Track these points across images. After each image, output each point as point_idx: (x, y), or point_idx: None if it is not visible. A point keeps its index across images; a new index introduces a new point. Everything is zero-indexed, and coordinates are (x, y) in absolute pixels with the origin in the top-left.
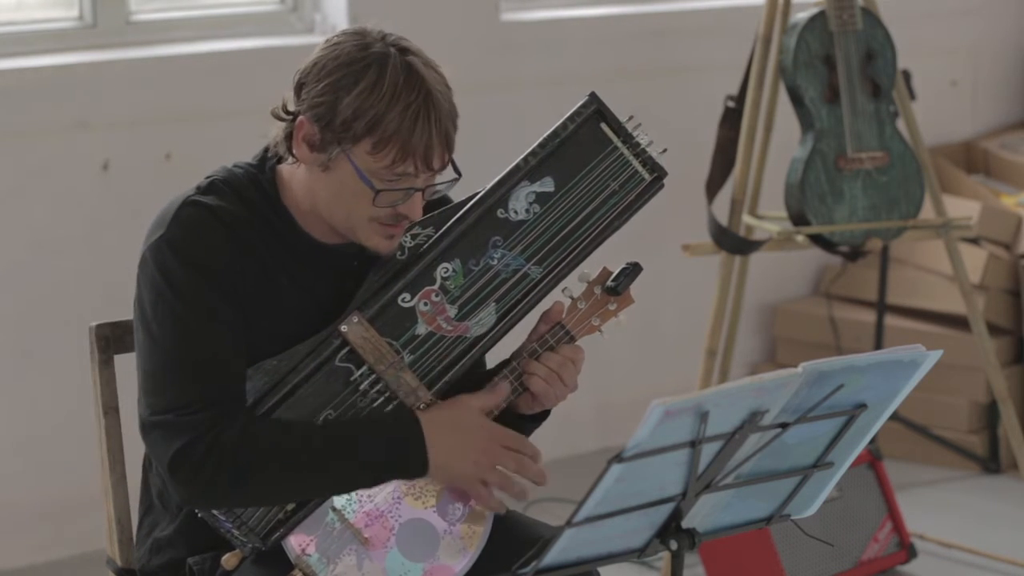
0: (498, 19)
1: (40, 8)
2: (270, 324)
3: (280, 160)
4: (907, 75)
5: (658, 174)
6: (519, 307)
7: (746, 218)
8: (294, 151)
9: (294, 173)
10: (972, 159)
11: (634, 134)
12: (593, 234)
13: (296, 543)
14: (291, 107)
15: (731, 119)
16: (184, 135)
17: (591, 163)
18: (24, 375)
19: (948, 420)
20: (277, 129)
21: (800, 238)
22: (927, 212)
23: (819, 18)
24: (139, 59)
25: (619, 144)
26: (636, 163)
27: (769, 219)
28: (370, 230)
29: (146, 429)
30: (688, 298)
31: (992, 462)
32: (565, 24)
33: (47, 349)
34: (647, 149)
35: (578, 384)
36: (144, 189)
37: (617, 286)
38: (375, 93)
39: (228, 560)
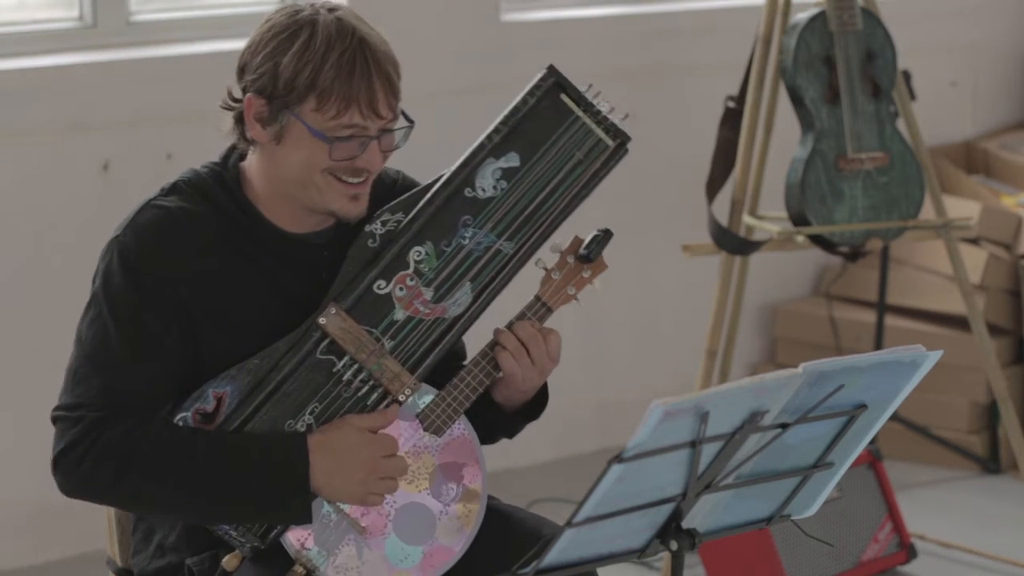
0: (498, 19)
1: (40, 8)
2: (244, 319)
3: (243, 157)
4: (907, 75)
5: (621, 140)
6: (494, 284)
7: (746, 218)
8: (247, 134)
9: (253, 164)
10: (972, 159)
11: (594, 102)
12: (562, 205)
13: (294, 538)
14: (236, 93)
15: (731, 119)
16: (184, 135)
17: (554, 135)
18: (25, 375)
19: (948, 420)
20: (228, 119)
21: (800, 238)
22: (927, 212)
23: (819, 18)
24: (139, 59)
25: (580, 114)
26: (599, 131)
27: (769, 219)
28: (334, 191)
29: (52, 422)
30: (688, 298)
31: (992, 462)
32: (565, 24)
33: (47, 349)
34: (609, 116)
35: (548, 367)
36: (144, 189)
37: (589, 253)
38: (310, 49)
39: (228, 562)
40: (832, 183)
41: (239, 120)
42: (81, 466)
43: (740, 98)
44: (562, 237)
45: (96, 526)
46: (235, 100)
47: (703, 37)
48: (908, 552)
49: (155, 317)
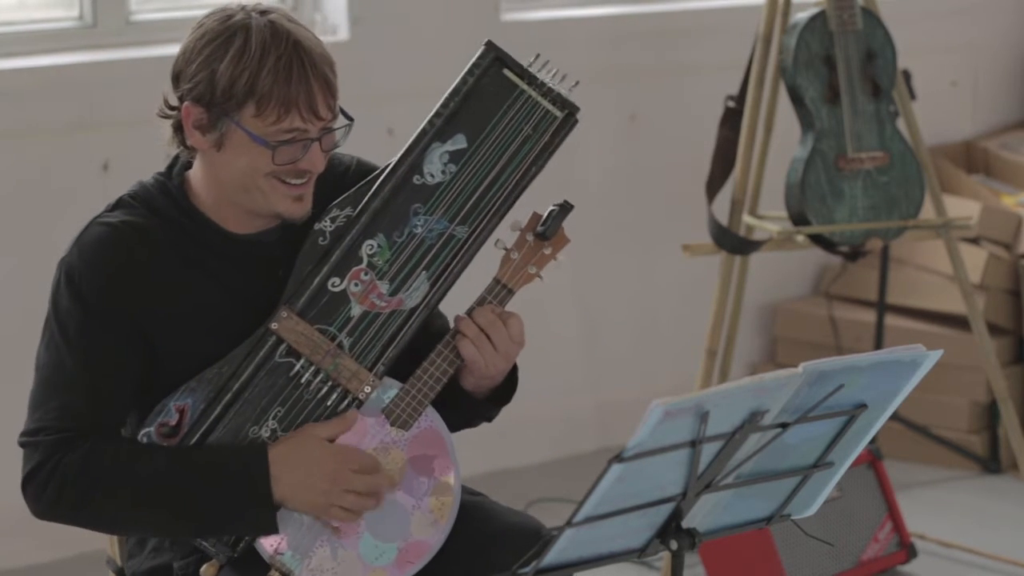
0: (498, 19)
1: (40, 8)
2: (201, 326)
3: (189, 165)
4: (907, 75)
5: (569, 110)
6: (449, 270)
7: (746, 218)
8: (187, 141)
9: (198, 171)
10: (972, 159)
11: (538, 75)
12: (513, 182)
13: (268, 544)
14: (173, 101)
15: (731, 119)
16: None
17: (500, 111)
18: (24, 375)
19: (948, 420)
20: (167, 128)
21: (800, 238)
22: (927, 212)
23: (819, 18)
24: (139, 59)
25: (525, 87)
26: (546, 103)
27: (769, 219)
28: (278, 193)
29: (21, 448)
30: (688, 298)
31: (992, 462)
32: (565, 24)
33: None
34: (554, 87)
35: (513, 351)
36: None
37: (546, 230)
38: (245, 55)
39: (206, 571)
40: (832, 183)
41: (178, 128)
42: (46, 490)
43: (740, 98)
44: (521, 215)
45: None
46: (171, 108)
47: (703, 37)
48: (908, 552)
49: (105, 337)
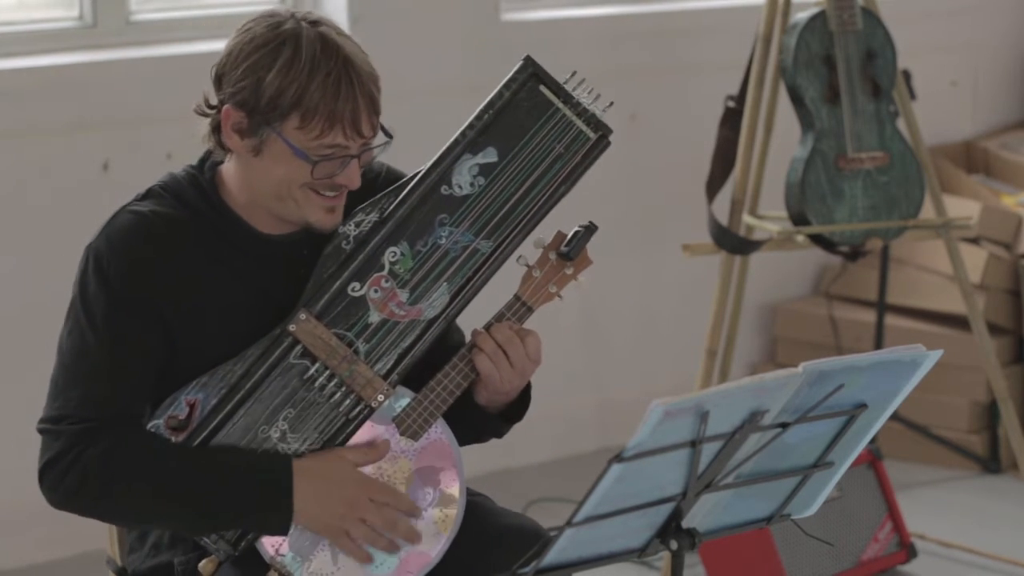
0: (498, 19)
1: (40, 8)
2: (222, 322)
3: (221, 160)
4: (907, 75)
5: (603, 132)
6: (471, 284)
7: (746, 218)
8: (224, 142)
9: (231, 169)
10: (972, 159)
11: (574, 93)
12: (542, 200)
13: (269, 544)
14: (213, 100)
15: (731, 119)
16: (184, 135)
17: (533, 128)
18: (24, 374)
19: (948, 420)
20: (204, 125)
21: (800, 238)
22: (927, 212)
23: (819, 18)
24: (139, 59)
25: (560, 105)
26: (580, 123)
27: (769, 219)
28: (311, 204)
29: (39, 434)
30: (688, 298)
31: (992, 462)
32: (565, 24)
33: (47, 348)
34: (589, 107)
35: (529, 368)
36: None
37: (570, 251)
38: (294, 67)
39: (204, 567)
40: (832, 183)
41: (215, 128)
42: (65, 480)
43: (740, 98)
44: (546, 232)
45: (96, 526)
46: (211, 107)
47: (703, 37)
48: (908, 552)
49: (131, 324)
